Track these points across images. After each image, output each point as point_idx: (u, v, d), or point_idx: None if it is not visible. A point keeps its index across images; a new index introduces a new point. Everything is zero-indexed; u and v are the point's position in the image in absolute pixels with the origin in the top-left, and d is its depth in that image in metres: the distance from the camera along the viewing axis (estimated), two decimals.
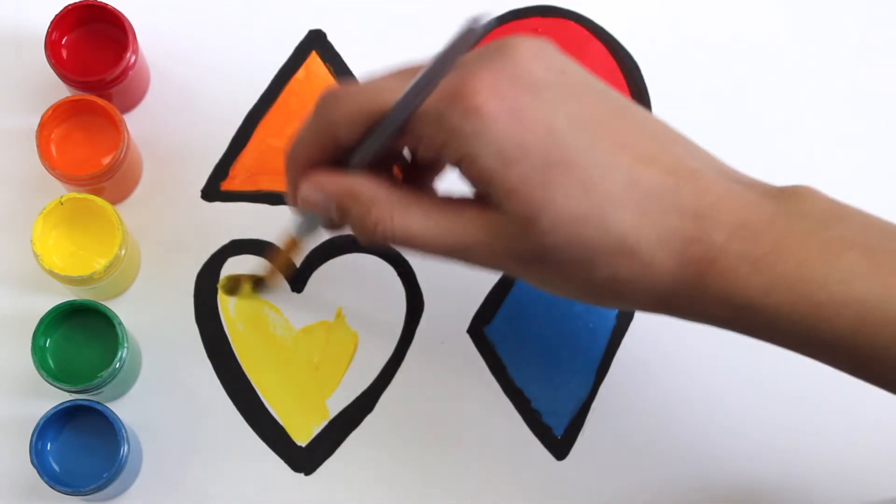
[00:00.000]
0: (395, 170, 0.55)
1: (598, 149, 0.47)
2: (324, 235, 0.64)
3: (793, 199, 0.48)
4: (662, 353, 0.65)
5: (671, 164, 0.48)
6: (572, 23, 0.68)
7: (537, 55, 0.48)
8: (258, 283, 0.64)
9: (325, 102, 0.51)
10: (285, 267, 0.64)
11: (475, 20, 0.45)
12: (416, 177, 0.55)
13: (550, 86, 0.48)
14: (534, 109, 0.47)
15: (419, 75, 0.47)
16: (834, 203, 0.48)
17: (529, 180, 0.47)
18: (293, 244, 0.61)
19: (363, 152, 0.50)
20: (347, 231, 0.54)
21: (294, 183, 0.53)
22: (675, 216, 0.47)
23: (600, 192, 0.47)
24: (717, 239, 0.47)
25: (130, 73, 0.63)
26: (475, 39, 0.46)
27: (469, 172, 0.48)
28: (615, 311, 0.65)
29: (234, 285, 0.64)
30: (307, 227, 0.57)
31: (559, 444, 0.64)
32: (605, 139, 0.47)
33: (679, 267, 0.47)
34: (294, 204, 0.53)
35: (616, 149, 0.47)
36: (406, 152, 0.54)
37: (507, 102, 0.47)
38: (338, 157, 0.51)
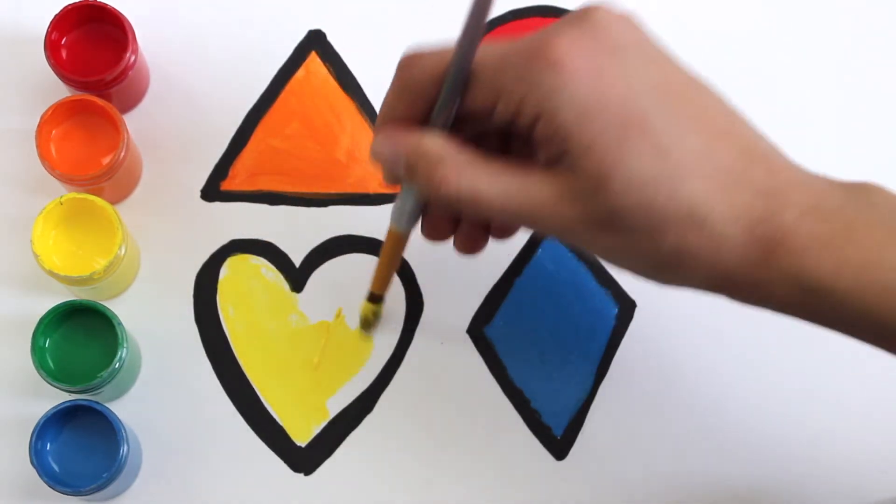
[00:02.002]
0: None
1: (674, 117, 0.47)
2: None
3: (861, 191, 0.48)
4: (662, 353, 0.65)
5: (744, 143, 0.48)
6: None
7: (619, 22, 0.48)
8: (372, 297, 0.60)
9: (405, 61, 0.51)
10: (391, 271, 0.59)
11: None
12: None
13: (631, 51, 0.48)
14: (614, 70, 0.47)
15: (470, 8, 0.47)
16: None
17: (606, 138, 0.46)
18: (394, 240, 0.56)
19: (441, 101, 0.50)
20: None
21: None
22: (747, 192, 0.46)
23: (674, 159, 0.46)
24: (788, 218, 0.46)
25: (130, 73, 0.63)
26: None
27: (546, 128, 0.47)
28: (615, 311, 0.65)
29: (367, 320, 0.62)
30: (400, 211, 0.54)
31: (559, 444, 0.64)
32: (682, 109, 0.47)
33: (747, 244, 0.46)
34: (371, 156, 0.52)
35: (692, 120, 0.47)
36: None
37: (589, 60, 0.47)
38: (425, 116, 0.51)
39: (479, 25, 0.47)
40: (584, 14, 0.48)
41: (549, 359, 0.65)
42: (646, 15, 0.68)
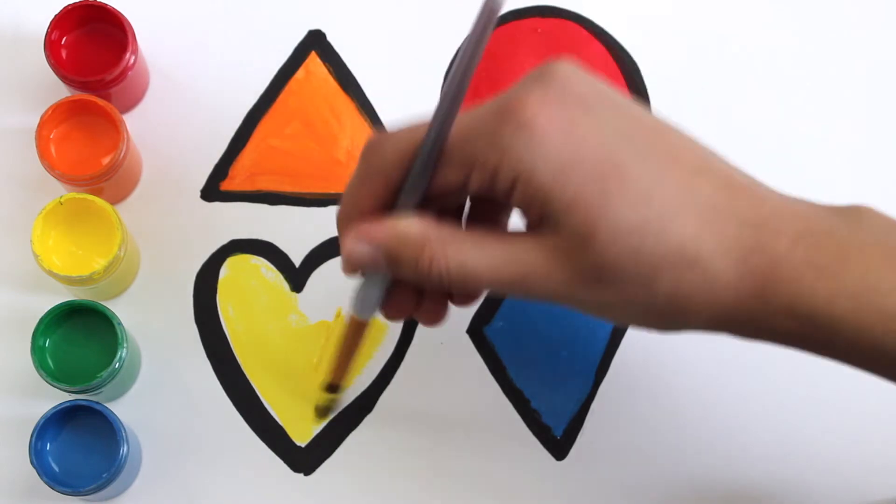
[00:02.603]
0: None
1: (650, 160, 0.46)
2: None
3: (853, 213, 0.47)
4: (662, 353, 0.65)
5: (723, 178, 0.47)
6: (572, 23, 0.68)
7: (578, 74, 0.48)
8: (331, 388, 0.59)
9: (371, 147, 0.50)
10: (352, 358, 0.56)
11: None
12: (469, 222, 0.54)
13: (596, 102, 0.47)
14: (584, 123, 0.46)
15: (452, 71, 0.46)
16: (892, 219, 0.48)
17: (586, 192, 0.46)
18: (356, 327, 0.54)
19: (411, 181, 0.49)
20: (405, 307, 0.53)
21: (344, 243, 0.51)
22: (734, 225, 0.46)
23: (657, 202, 0.46)
24: (779, 247, 0.46)
25: (130, 73, 0.63)
26: (496, 16, 0.45)
27: (525, 191, 0.47)
28: None
29: (325, 409, 0.61)
30: (364, 299, 0.52)
31: (559, 444, 0.64)
32: (656, 151, 0.47)
33: (741, 277, 0.46)
34: (344, 268, 0.51)
35: (667, 161, 0.47)
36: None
37: (558, 117, 0.46)
38: (390, 204, 0.50)
39: (456, 102, 0.47)
40: (547, 71, 0.47)
41: (549, 359, 0.65)
42: (649, 21, 0.69)
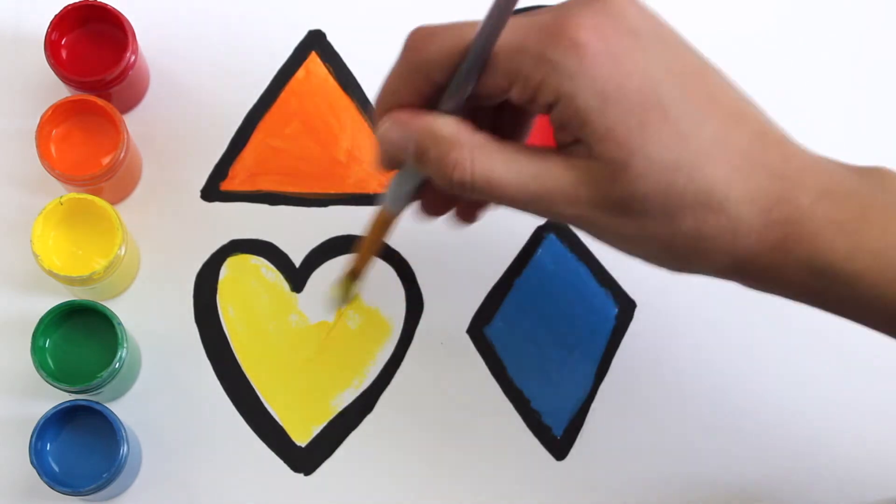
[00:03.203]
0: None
1: (691, 101, 0.47)
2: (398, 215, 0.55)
3: (875, 174, 0.48)
4: (662, 353, 0.65)
5: (758, 128, 0.48)
6: None
7: (634, 5, 0.47)
8: (353, 273, 0.59)
9: (415, 41, 0.49)
10: (375, 249, 0.57)
11: None
12: (504, 131, 0.53)
13: (647, 35, 0.47)
14: (633, 54, 0.46)
15: None
16: None
17: (626, 122, 0.46)
18: (384, 220, 0.55)
19: (454, 86, 0.48)
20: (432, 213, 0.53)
21: (378, 122, 0.50)
22: (763, 175, 0.46)
23: (693, 143, 0.46)
24: (803, 201, 0.46)
25: (130, 73, 0.63)
26: None
27: (564, 112, 0.47)
28: (615, 311, 0.65)
29: (343, 291, 0.60)
30: (396, 193, 0.52)
31: (559, 444, 0.64)
32: (699, 93, 0.47)
33: (763, 227, 0.46)
34: (377, 158, 0.50)
35: (708, 104, 0.47)
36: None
37: (609, 43, 0.46)
38: (430, 100, 0.49)
39: (506, 11, 0.46)
40: None
41: (549, 359, 0.65)
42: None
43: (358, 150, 0.66)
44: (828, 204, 0.46)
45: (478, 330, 0.65)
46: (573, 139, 0.47)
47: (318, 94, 0.67)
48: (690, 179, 0.46)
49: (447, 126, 0.48)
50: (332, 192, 0.66)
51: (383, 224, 0.55)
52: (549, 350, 0.65)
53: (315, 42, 0.68)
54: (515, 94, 0.48)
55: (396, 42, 0.68)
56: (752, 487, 0.64)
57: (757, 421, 0.64)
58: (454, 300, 0.65)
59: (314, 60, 0.68)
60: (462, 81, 0.48)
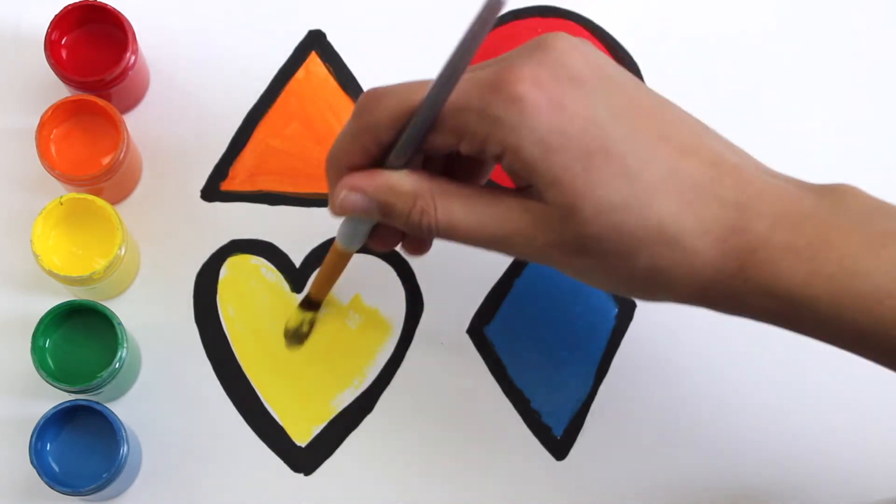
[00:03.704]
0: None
1: (638, 139, 0.47)
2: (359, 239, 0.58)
3: (835, 194, 0.48)
4: (662, 353, 0.65)
5: (711, 158, 0.48)
6: (572, 23, 0.68)
7: (576, 50, 0.48)
8: (305, 303, 0.63)
9: (365, 103, 0.51)
10: (332, 283, 0.61)
11: None
12: (463, 172, 0.55)
13: (590, 79, 0.48)
14: (575, 100, 0.47)
15: (449, 56, 0.46)
16: (875, 200, 0.48)
17: (571, 169, 0.47)
18: (340, 256, 0.58)
19: (401, 146, 0.50)
20: (388, 240, 0.55)
21: (335, 189, 0.52)
22: (716, 206, 0.47)
23: (641, 181, 0.47)
24: (759, 229, 0.47)
25: (130, 73, 0.63)
26: (497, 14, 0.45)
27: (512, 164, 0.48)
28: (615, 311, 0.65)
29: (297, 331, 0.64)
30: (352, 235, 0.55)
31: (559, 444, 0.64)
32: (646, 130, 0.47)
33: (720, 257, 0.47)
34: (335, 211, 0.52)
35: (656, 140, 0.47)
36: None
37: (549, 93, 0.47)
38: (378, 159, 0.51)
39: (451, 82, 0.47)
40: (542, 44, 0.48)
41: (549, 359, 0.65)
42: (650, 20, 0.69)
43: None
44: (783, 230, 0.47)
45: (478, 330, 0.65)
46: (526, 184, 0.49)
47: (318, 94, 0.67)
48: (641, 217, 0.47)
49: (404, 180, 0.50)
50: None
51: (340, 260, 0.58)
52: (549, 350, 0.65)
53: (315, 42, 0.68)
54: (464, 149, 0.49)
55: (396, 42, 0.68)
56: (753, 487, 0.64)
57: (757, 421, 0.64)
58: (454, 300, 0.65)
59: (314, 60, 0.68)
60: (413, 136, 0.49)
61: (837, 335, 0.48)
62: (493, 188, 0.51)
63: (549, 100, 0.47)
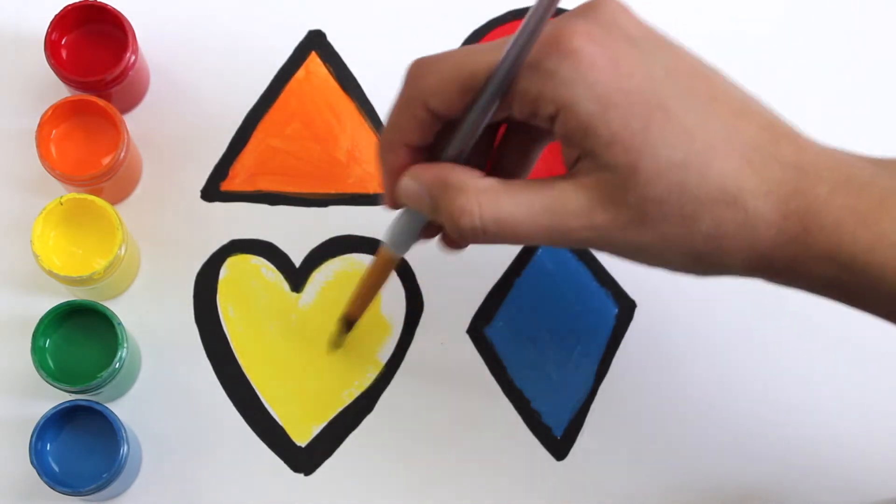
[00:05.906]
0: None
1: (693, 100, 0.46)
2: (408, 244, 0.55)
3: (892, 165, 0.47)
4: (662, 353, 0.65)
5: (766, 121, 0.47)
6: None
7: (626, 13, 0.47)
8: (346, 326, 0.61)
9: (415, 72, 0.49)
10: (374, 295, 0.59)
11: None
12: (506, 171, 0.53)
13: (644, 39, 0.47)
14: (630, 58, 0.46)
15: (525, 20, 0.45)
16: None
17: (630, 126, 0.45)
18: (386, 263, 0.56)
19: (466, 127, 0.48)
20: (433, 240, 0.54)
21: (390, 172, 0.50)
22: (776, 167, 0.46)
23: (700, 141, 0.46)
24: (820, 192, 0.46)
25: (130, 73, 0.63)
26: None
27: (566, 123, 0.46)
28: (615, 311, 0.65)
29: (338, 340, 0.63)
30: (407, 234, 0.53)
31: (559, 444, 0.64)
32: (701, 91, 0.47)
33: (782, 219, 0.46)
34: (389, 202, 0.51)
35: (712, 100, 0.47)
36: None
37: (605, 50, 0.46)
38: (433, 134, 0.49)
39: (540, 23, 0.46)
40: (594, 5, 0.47)
41: (549, 359, 0.65)
42: (649, 20, 0.69)
43: (358, 150, 0.66)
44: (846, 194, 0.46)
45: (478, 330, 0.65)
46: (579, 154, 0.47)
47: (318, 95, 0.67)
48: (702, 176, 0.45)
49: (455, 174, 0.48)
50: (332, 192, 0.66)
51: (385, 267, 0.56)
52: (549, 350, 0.65)
53: (315, 42, 0.68)
54: (516, 110, 0.48)
55: (396, 42, 0.68)
56: (752, 487, 0.64)
57: (757, 421, 0.64)
58: (454, 300, 0.65)
59: (314, 60, 0.68)
60: (470, 128, 0.48)
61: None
62: (541, 179, 0.49)
63: (606, 56, 0.46)
